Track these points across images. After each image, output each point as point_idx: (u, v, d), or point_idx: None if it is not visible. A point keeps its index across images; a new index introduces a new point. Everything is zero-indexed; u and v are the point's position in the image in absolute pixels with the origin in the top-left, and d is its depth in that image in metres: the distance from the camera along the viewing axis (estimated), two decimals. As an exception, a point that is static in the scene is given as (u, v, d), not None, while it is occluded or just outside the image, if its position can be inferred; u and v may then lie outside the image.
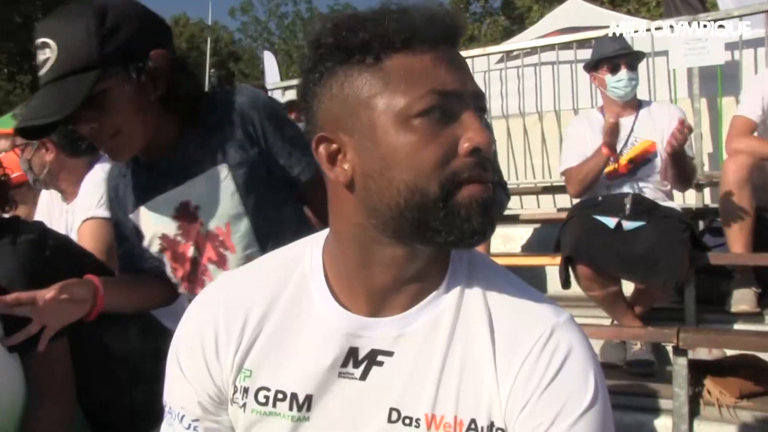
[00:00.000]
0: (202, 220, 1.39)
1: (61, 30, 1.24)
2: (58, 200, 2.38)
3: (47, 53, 1.24)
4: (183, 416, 0.88)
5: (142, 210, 1.43)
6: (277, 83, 7.15)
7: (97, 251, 1.91)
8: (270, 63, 9.81)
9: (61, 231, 2.15)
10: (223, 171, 1.37)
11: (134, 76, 1.28)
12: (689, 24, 4.69)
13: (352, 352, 0.81)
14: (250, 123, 1.37)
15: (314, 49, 0.77)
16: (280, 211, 1.43)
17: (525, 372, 0.77)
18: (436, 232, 0.74)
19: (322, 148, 0.78)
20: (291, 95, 6.03)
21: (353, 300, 0.82)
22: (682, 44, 4.67)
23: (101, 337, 1.56)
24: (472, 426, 0.78)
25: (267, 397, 0.82)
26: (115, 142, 1.32)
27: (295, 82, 5.49)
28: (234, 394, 0.84)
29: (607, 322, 2.99)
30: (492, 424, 0.78)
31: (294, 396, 0.81)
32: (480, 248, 3.20)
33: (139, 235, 1.47)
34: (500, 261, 3.13)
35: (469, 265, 0.85)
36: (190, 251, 1.42)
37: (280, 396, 0.82)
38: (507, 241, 3.99)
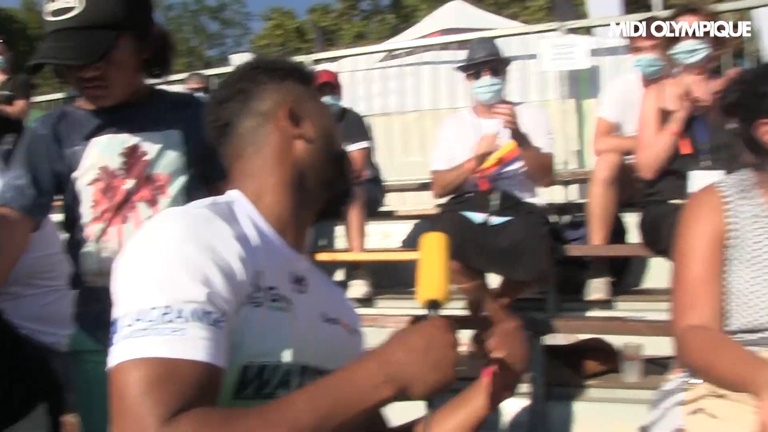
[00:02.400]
0: (148, 164, 1.62)
1: None
2: None
3: (72, 2, 1.43)
4: (206, 313, 0.85)
5: (91, 142, 1.61)
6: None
7: None
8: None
9: None
10: (177, 135, 1.65)
11: (140, 42, 1.54)
12: (561, 30, 4.97)
13: (292, 276, 1.06)
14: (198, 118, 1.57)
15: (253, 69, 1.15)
16: (206, 182, 1.71)
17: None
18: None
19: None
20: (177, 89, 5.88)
21: (285, 226, 1.08)
22: (551, 49, 4.95)
23: None
24: (351, 328, 1.18)
25: (277, 295, 0.98)
26: (104, 91, 1.54)
27: (182, 76, 5.35)
28: (255, 292, 0.95)
29: (476, 312, 3.14)
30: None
31: (283, 296, 1.00)
32: (355, 243, 3.27)
33: (70, 168, 1.62)
34: (378, 256, 3.21)
35: None
36: (127, 186, 1.61)
37: (281, 295, 1.00)
38: (386, 237, 4.09)
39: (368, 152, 4.05)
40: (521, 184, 3.21)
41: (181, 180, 1.65)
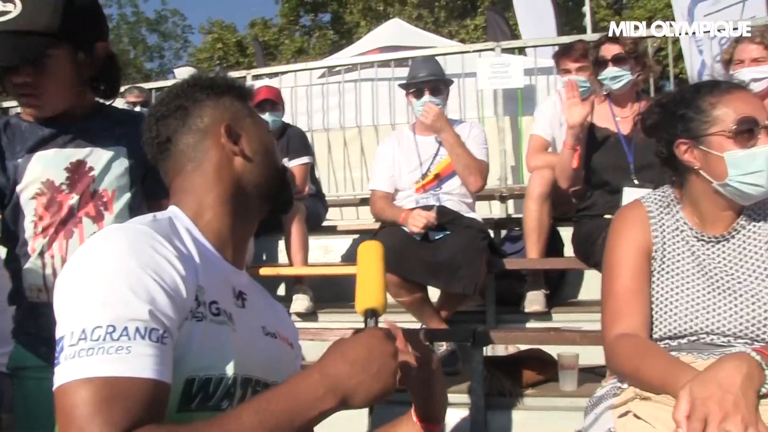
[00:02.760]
0: (94, 180, 1.63)
1: None
2: None
3: (9, 6, 1.43)
4: (151, 330, 0.86)
5: (35, 156, 1.60)
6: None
7: None
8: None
9: None
10: (122, 152, 1.66)
11: (79, 56, 1.54)
12: (497, 50, 5.12)
13: (233, 291, 1.09)
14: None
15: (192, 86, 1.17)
16: (147, 199, 1.73)
17: None
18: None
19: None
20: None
21: (224, 244, 1.11)
22: (488, 68, 5.09)
23: None
24: (288, 342, 1.20)
25: (218, 309, 1.00)
26: (37, 100, 1.54)
27: (122, 89, 5.25)
28: (197, 307, 0.96)
29: (417, 326, 3.18)
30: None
31: (224, 311, 1.02)
32: (297, 257, 3.26)
33: (13, 181, 1.61)
34: (320, 271, 3.21)
35: None
36: (71, 201, 1.61)
37: (222, 309, 1.01)
38: (327, 252, 4.11)
39: (310, 167, 4.08)
40: (459, 200, 3.28)
41: (125, 197, 1.66)
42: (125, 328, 0.84)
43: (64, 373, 0.83)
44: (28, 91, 1.52)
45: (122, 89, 5.23)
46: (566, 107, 2.94)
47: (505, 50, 5.23)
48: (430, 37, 8.03)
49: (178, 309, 0.91)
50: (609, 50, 2.94)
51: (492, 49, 5.17)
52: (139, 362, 0.84)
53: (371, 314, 1.00)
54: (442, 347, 3.12)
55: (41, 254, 1.59)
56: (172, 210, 1.10)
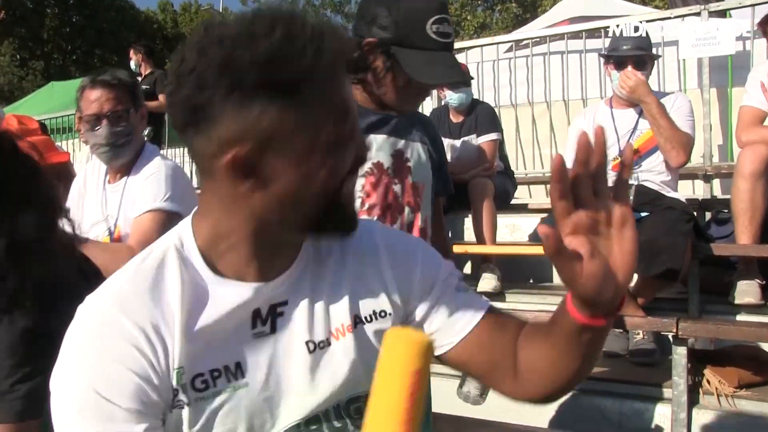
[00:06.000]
0: (411, 171, 1.72)
1: None
2: (99, 176, 2.37)
3: (449, 28, 1.59)
4: None
5: (368, 138, 1.65)
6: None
7: (150, 241, 1.95)
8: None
9: (96, 207, 2.29)
10: (425, 149, 1.78)
11: None
12: (700, 14, 4.67)
13: (257, 313, 0.90)
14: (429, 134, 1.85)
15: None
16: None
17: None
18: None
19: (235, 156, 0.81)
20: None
21: (243, 273, 0.90)
22: (692, 35, 4.66)
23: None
24: (357, 320, 0.96)
25: (205, 381, 0.86)
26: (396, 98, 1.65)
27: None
28: (175, 398, 0.85)
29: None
30: (384, 311, 0.98)
31: (226, 368, 0.88)
32: (487, 235, 3.21)
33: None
34: (507, 250, 3.16)
35: None
36: (395, 187, 1.71)
37: (216, 374, 0.87)
38: (514, 231, 4.02)
39: (498, 144, 4.00)
40: (660, 179, 3.06)
41: (428, 190, 1.78)
42: None
43: None
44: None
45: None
46: None
47: (712, 14, 4.74)
48: (622, 5, 7.52)
49: (145, 411, 0.83)
50: None
51: (698, 14, 4.72)
52: None
53: None
54: (638, 336, 2.94)
55: None
56: (182, 232, 0.92)
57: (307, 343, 0.92)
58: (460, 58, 5.31)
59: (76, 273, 1.46)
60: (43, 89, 13.30)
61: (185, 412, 0.85)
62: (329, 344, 0.93)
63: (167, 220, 2.10)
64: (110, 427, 0.80)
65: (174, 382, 0.84)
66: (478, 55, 5.62)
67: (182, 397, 0.85)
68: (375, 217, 1.66)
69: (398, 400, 0.63)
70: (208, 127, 0.80)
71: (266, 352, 0.90)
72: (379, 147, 1.69)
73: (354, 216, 0.92)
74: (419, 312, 1.01)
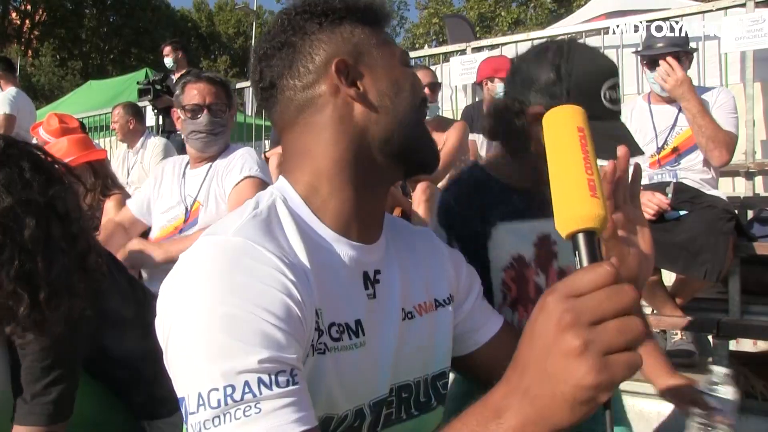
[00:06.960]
0: (557, 255, 1.45)
1: None
2: (179, 168, 2.59)
3: (619, 92, 1.34)
4: (275, 375, 0.72)
5: (503, 228, 1.41)
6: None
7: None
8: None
9: (174, 193, 2.52)
10: None
11: None
12: (745, 5, 4.54)
13: (366, 276, 0.92)
14: None
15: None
16: None
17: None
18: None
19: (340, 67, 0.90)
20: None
21: (347, 229, 0.90)
22: (737, 26, 4.53)
23: (101, 339, 1.56)
24: (437, 303, 1.03)
25: (339, 331, 0.85)
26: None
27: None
28: (319, 338, 0.81)
29: (648, 311, 2.96)
30: (450, 296, 1.06)
31: (348, 325, 0.87)
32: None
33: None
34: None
35: None
36: (538, 279, 1.43)
37: (342, 328, 0.86)
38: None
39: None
40: (700, 177, 2.98)
41: None
42: (246, 384, 0.70)
43: None
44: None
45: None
46: None
47: (759, 4, 4.60)
48: (661, -1, 7.37)
49: (297, 338, 0.76)
50: None
51: (743, 5, 4.58)
52: (275, 420, 0.70)
53: (587, 237, 0.62)
54: (676, 336, 2.87)
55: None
56: (281, 186, 0.92)
57: (402, 310, 0.96)
58: (495, 53, 5.25)
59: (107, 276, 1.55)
60: (81, 88, 13.53)
61: (319, 361, 0.81)
62: (413, 317, 0.98)
63: (262, 188, 2.14)
64: (277, 354, 0.73)
65: (319, 322, 0.82)
66: (513, 52, 5.56)
67: (325, 340, 0.82)
68: (518, 316, 1.40)
69: (576, 156, 0.67)
70: (305, 61, 0.90)
71: (376, 314, 0.92)
72: (521, 237, 1.42)
73: (435, 152, 0.97)
74: (465, 307, 1.10)
